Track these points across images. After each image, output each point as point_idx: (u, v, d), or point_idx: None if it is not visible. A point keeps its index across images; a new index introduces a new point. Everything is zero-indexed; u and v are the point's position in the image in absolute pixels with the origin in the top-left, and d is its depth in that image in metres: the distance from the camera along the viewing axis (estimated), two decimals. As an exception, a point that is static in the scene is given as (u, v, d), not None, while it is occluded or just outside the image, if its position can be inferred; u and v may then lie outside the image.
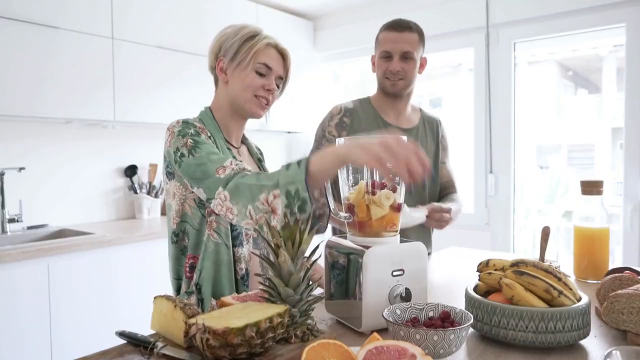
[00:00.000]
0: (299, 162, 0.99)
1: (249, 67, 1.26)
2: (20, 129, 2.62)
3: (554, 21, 2.93)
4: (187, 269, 1.25)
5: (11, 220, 2.50)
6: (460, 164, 3.31)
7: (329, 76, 4.20)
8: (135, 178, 3.09)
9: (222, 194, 1.05)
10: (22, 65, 2.33)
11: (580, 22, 2.84)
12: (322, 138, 1.75)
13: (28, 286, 2.12)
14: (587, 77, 7.04)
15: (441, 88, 5.53)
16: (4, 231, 2.48)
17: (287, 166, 1.00)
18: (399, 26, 1.66)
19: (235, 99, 1.29)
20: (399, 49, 1.64)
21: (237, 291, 1.23)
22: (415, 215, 1.46)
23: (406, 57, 1.66)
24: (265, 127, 3.40)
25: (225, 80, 1.30)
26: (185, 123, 1.22)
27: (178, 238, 1.26)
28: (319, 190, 1.02)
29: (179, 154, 1.16)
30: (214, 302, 1.19)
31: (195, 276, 1.23)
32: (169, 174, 1.25)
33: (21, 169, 2.53)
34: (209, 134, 1.23)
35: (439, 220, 1.55)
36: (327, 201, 1.03)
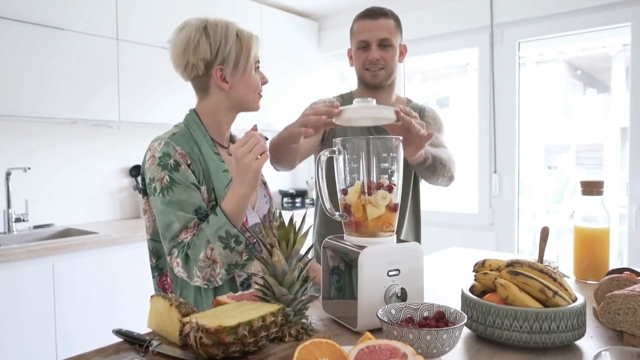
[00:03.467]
0: (215, 212, 1.14)
1: (251, 70, 1.27)
2: (26, 129, 2.65)
3: (558, 20, 2.91)
4: (161, 287, 1.29)
5: (17, 220, 2.53)
6: (465, 164, 3.31)
7: (334, 76, 4.20)
8: (140, 178, 3.11)
9: (177, 260, 1.15)
10: (27, 66, 2.35)
11: (585, 22, 2.83)
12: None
13: (34, 284, 2.14)
14: (596, 77, 6.99)
15: (448, 88, 5.51)
16: (10, 230, 2.51)
17: (208, 221, 1.14)
18: (373, 13, 1.57)
19: (242, 102, 1.28)
20: (376, 37, 1.55)
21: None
22: (384, 112, 1.16)
23: (384, 44, 1.56)
24: (271, 127, 3.41)
25: (227, 87, 1.26)
26: (167, 146, 1.18)
27: (151, 253, 1.30)
28: (242, 226, 1.19)
29: (152, 186, 1.18)
30: None
31: (175, 294, 1.26)
32: (144, 192, 1.25)
33: (27, 168, 2.56)
34: (189, 161, 1.19)
35: (409, 123, 1.18)
36: (322, 200, 1.04)
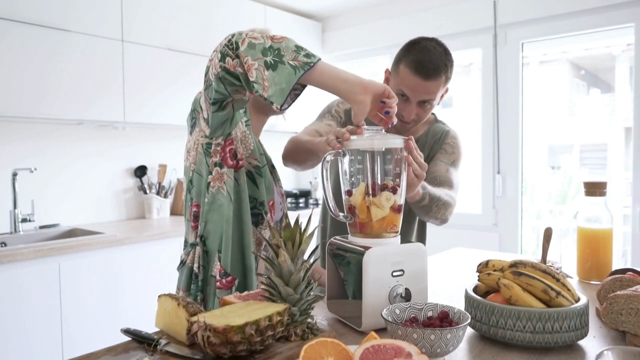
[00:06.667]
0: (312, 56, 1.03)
1: None
2: (33, 130, 2.67)
3: (561, 21, 2.91)
4: (192, 217, 1.27)
5: (23, 220, 2.55)
6: (468, 164, 3.32)
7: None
8: (145, 178, 3.13)
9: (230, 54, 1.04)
10: (33, 68, 2.37)
11: (588, 22, 2.83)
12: (327, 113, 1.65)
13: (40, 284, 2.16)
14: (599, 76, 6.98)
15: (451, 88, 5.51)
16: (16, 230, 2.53)
17: (305, 52, 1.03)
18: (425, 73, 1.37)
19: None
20: (419, 98, 1.42)
21: (246, 261, 1.24)
22: (395, 141, 1.13)
23: (425, 101, 1.43)
24: (275, 128, 3.43)
25: None
26: None
27: (191, 183, 1.28)
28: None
29: (202, 97, 1.20)
30: (218, 265, 1.21)
31: (199, 227, 1.24)
32: (192, 126, 1.27)
33: (33, 169, 2.58)
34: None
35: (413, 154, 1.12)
36: (327, 200, 1.05)
